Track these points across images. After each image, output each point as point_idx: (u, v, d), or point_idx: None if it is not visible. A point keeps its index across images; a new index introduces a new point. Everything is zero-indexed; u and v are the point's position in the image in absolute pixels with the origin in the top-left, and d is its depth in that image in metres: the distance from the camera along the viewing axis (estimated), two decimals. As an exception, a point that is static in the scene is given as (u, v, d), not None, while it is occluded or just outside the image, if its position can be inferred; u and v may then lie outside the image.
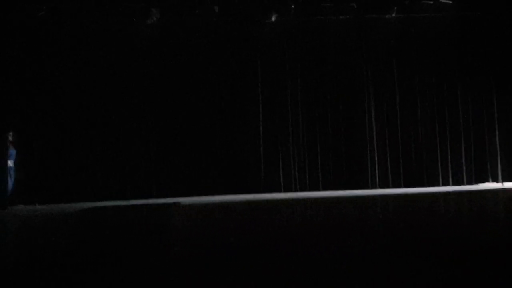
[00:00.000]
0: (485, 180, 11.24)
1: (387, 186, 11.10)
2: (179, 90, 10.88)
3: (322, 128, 11.22)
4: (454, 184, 11.17)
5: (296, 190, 10.97)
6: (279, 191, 10.90)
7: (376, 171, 11.17)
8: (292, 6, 10.99)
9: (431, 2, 11.24)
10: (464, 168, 11.26)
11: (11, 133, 9.83)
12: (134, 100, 10.76)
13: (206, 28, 10.97)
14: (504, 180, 11.13)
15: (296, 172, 11.08)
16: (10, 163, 9.70)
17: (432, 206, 7.41)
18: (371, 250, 3.67)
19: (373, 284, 2.78)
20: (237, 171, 10.89)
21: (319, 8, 11.14)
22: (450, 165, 11.28)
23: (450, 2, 11.21)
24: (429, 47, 11.45)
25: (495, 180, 11.22)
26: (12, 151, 9.80)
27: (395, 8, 11.05)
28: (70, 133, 10.47)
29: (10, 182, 9.63)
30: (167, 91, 10.87)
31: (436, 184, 11.15)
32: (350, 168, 11.16)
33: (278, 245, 4.11)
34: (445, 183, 11.18)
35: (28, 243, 5.06)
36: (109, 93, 10.68)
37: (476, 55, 11.37)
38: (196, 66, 10.96)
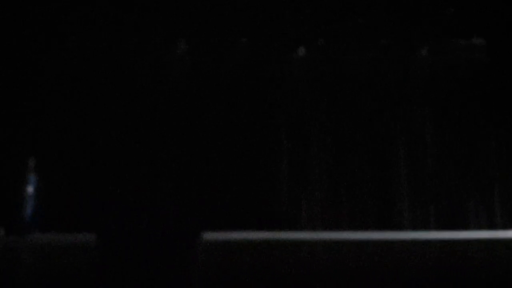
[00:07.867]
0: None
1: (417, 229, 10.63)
2: (204, 119, 10.70)
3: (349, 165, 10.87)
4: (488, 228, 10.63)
5: (321, 230, 10.57)
6: (302, 229, 10.52)
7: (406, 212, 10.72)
8: (321, 42, 10.86)
9: (463, 42, 10.99)
10: (498, 212, 10.74)
11: (32, 159, 9.70)
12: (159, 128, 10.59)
13: (234, 59, 10.90)
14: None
15: (319, 211, 10.69)
16: (30, 189, 9.53)
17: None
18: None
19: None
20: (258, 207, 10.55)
21: (348, 44, 10.97)
22: (483, 208, 10.78)
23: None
24: (460, 87, 11.15)
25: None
26: (32, 177, 9.65)
27: (427, 48, 10.83)
28: (92, 160, 10.25)
29: (29, 209, 9.44)
30: (192, 118, 10.69)
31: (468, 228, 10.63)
32: (377, 208, 10.73)
33: None
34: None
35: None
36: (132, 124, 10.54)
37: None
38: (223, 97, 10.81)
